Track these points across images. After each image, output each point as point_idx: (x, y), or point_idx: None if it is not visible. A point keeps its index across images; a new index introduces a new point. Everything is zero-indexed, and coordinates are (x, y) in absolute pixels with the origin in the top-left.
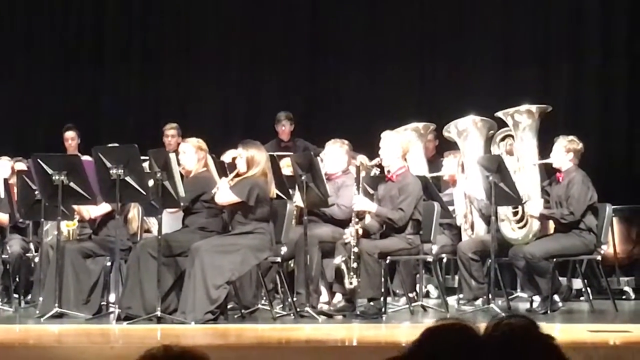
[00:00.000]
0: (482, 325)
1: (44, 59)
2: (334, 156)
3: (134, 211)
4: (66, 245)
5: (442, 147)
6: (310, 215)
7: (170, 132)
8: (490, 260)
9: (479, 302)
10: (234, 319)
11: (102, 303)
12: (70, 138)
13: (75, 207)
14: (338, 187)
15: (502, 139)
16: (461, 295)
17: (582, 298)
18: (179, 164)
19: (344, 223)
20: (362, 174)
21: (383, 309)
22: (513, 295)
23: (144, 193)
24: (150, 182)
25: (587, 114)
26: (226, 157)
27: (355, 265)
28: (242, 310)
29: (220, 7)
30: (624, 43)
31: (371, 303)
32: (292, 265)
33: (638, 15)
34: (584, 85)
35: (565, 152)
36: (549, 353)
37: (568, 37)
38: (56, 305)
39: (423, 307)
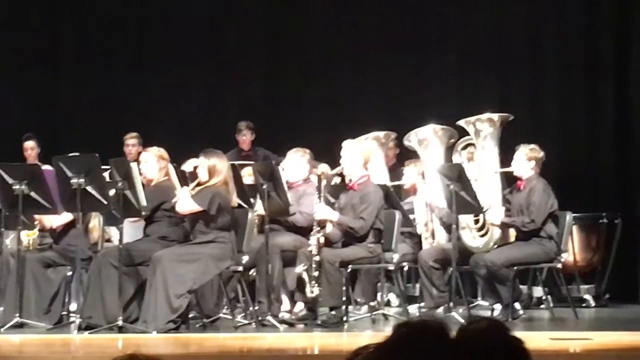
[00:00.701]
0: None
1: (1, 67)
2: (295, 165)
3: (95, 220)
4: (27, 254)
5: (403, 155)
6: (272, 224)
7: (131, 141)
8: (451, 269)
9: (440, 310)
10: (195, 328)
11: (63, 313)
12: (30, 147)
13: (36, 216)
14: (299, 195)
15: (464, 147)
16: (422, 304)
17: (542, 306)
18: (140, 173)
19: (305, 231)
20: (324, 182)
21: (344, 318)
22: (474, 304)
23: (105, 202)
24: (112, 192)
25: (547, 122)
26: (187, 166)
27: (316, 274)
28: (204, 320)
29: (181, 15)
30: (583, 53)
31: (332, 312)
32: (253, 274)
33: (596, 26)
34: (544, 94)
35: (526, 160)
36: (517, 356)
37: (528, 45)
38: (17, 315)
39: (384, 315)
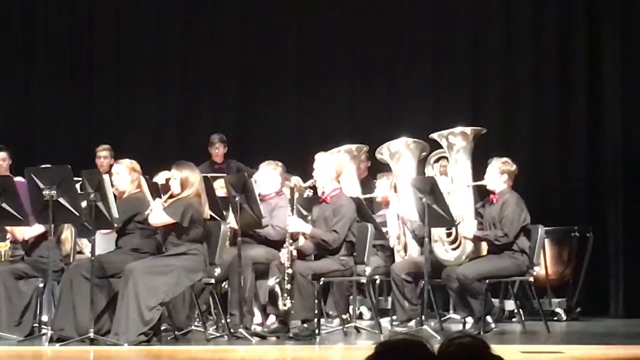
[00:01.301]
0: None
1: None
2: (268, 177)
3: (67, 232)
4: None
5: (375, 168)
6: (244, 237)
7: (103, 153)
8: (423, 282)
9: (412, 323)
10: (167, 341)
11: (35, 325)
12: (2, 159)
13: (7, 228)
14: (272, 208)
15: (436, 160)
16: (394, 317)
17: (514, 319)
18: (112, 185)
19: (278, 244)
20: (296, 195)
21: (316, 331)
22: (446, 317)
23: (77, 214)
24: (84, 203)
25: (519, 136)
26: (159, 179)
27: (289, 286)
28: (175, 332)
29: (154, 27)
30: (556, 66)
31: (305, 324)
32: (225, 286)
33: (570, 41)
34: (515, 107)
35: (499, 173)
36: None
37: (501, 59)
38: None
39: (356, 328)
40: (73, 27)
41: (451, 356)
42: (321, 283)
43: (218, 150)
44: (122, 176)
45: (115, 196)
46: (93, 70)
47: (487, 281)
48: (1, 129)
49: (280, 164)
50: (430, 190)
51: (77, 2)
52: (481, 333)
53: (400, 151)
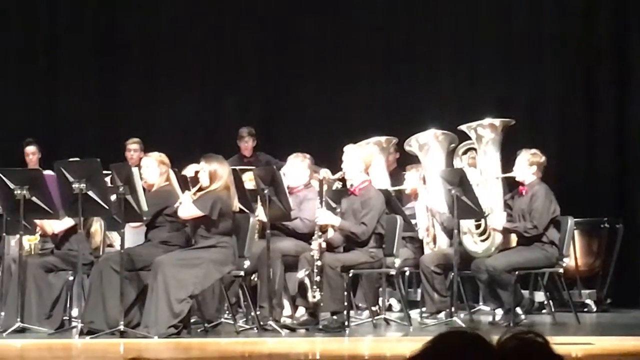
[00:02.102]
0: (494, 338)
1: (1, 73)
2: (296, 170)
3: (97, 225)
4: (28, 259)
5: (404, 160)
6: (273, 229)
7: (133, 146)
8: (452, 274)
9: (441, 315)
10: (196, 333)
11: (65, 317)
12: (31, 153)
13: (37, 221)
14: (300, 200)
15: (465, 152)
16: (424, 309)
17: (544, 311)
18: (141, 178)
19: (307, 236)
20: (325, 187)
21: (346, 323)
22: (475, 308)
23: (107, 207)
24: (113, 197)
25: (549, 127)
26: (188, 171)
27: (318, 278)
28: (205, 324)
29: (180, 21)
30: (584, 58)
31: (334, 316)
32: (255, 279)
33: (597, 31)
34: (543, 98)
35: (528, 165)
36: None
37: (528, 50)
38: (18, 319)
39: (386, 320)
40: (101, 21)
41: (511, 351)
42: (350, 275)
43: (247, 144)
44: (151, 169)
45: (144, 189)
46: (120, 64)
47: (516, 273)
48: (30, 123)
49: (308, 156)
50: (459, 182)
51: None
52: (511, 324)
53: (429, 143)
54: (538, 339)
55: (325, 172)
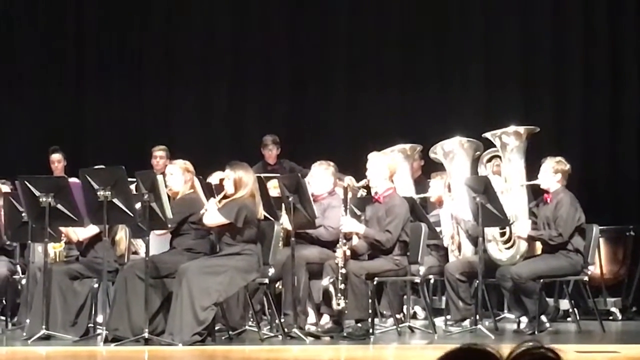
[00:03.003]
0: (504, 352)
1: (26, 81)
2: (320, 178)
3: (122, 233)
4: (53, 267)
5: (429, 168)
6: (297, 237)
7: (159, 153)
8: (477, 281)
9: (466, 323)
10: (221, 341)
11: (90, 325)
12: (57, 160)
13: (62, 229)
14: (324, 208)
15: (489, 160)
16: (448, 317)
17: (569, 319)
18: (166, 186)
19: (331, 244)
20: (350, 195)
21: (370, 330)
22: (500, 316)
23: (132, 215)
24: (138, 204)
25: (573, 134)
26: (213, 179)
27: (342, 286)
28: (230, 332)
29: (205, 30)
30: (607, 64)
31: (359, 324)
32: (279, 286)
33: (620, 38)
34: (568, 106)
35: (553, 173)
36: None
37: (552, 57)
38: (43, 327)
39: (410, 328)
40: (123, 27)
41: None
42: (375, 283)
43: (271, 152)
44: (176, 177)
45: (169, 197)
46: (146, 71)
47: (541, 280)
48: (55, 131)
49: (332, 164)
50: (484, 189)
51: (128, 5)
52: (536, 332)
53: (454, 150)
54: (549, 354)
55: (349, 180)
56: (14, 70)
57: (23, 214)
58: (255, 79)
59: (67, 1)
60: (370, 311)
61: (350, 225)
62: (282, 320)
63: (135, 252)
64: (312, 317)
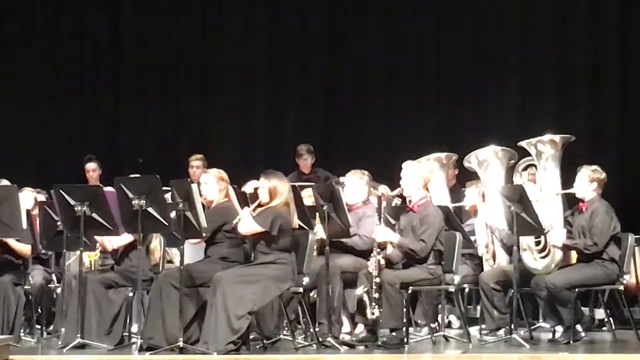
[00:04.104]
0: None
1: (62, 90)
2: (354, 187)
3: (156, 242)
4: (88, 275)
5: (463, 177)
6: (331, 246)
7: (196, 162)
8: (512, 290)
9: (501, 332)
10: (255, 350)
11: (124, 333)
12: (92, 169)
13: (97, 238)
14: (359, 217)
15: (525, 168)
16: (483, 326)
17: (604, 328)
18: (200, 195)
19: (365, 253)
20: (384, 204)
21: (405, 340)
22: (535, 326)
23: (166, 224)
24: (172, 213)
25: (608, 143)
26: (248, 188)
27: (377, 295)
28: (264, 341)
29: (241, 39)
30: None
31: (393, 333)
32: (314, 295)
33: None
34: (603, 115)
35: (588, 182)
36: None
37: (587, 66)
38: (78, 335)
39: (445, 337)
40: (160, 38)
41: None
42: (409, 292)
43: (306, 161)
44: (211, 186)
45: (203, 206)
46: (181, 80)
47: (576, 290)
48: (91, 140)
49: (366, 172)
50: (519, 198)
51: (164, 14)
52: (571, 342)
53: (488, 159)
54: None
55: (384, 189)
56: (51, 79)
57: (58, 223)
58: (291, 89)
59: (104, 12)
60: (404, 320)
61: (385, 234)
62: (317, 329)
63: (170, 261)
64: (346, 326)
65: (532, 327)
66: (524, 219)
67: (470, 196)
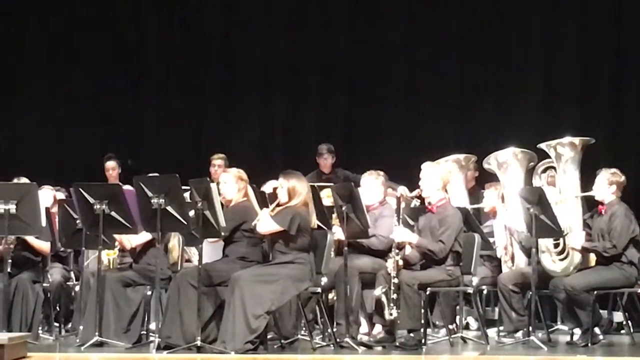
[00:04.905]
0: None
1: (83, 88)
2: (370, 187)
3: (175, 240)
4: (107, 274)
5: (482, 178)
6: (349, 246)
7: (217, 162)
8: (530, 293)
9: (519, 334)
10: (273, 349)
11: (142, 332)
12: (111, 168)
13: (116, 236)
14: (375, 218)
15: (544, 171)
16: (501, 328)
17: (622, 331)
18: (219, 194)
19: (383, 254)
20: (403, 205)
21: (423, 341)
22: (553, 328)
23: (185, 222)
24: (191, 212)
25: (628, 146)
26: (267, 188)
27: (395, 296)
28: (282, 341)
29: (261, 38)
30: None
31: (411, 334)
32: (332, 296)
33: None
34: (624, 118)
35: (608, 184)
36: None
37: (607, 68)
38: (96, 333)
39: (463, 338)
40: (181, 37)
41: None
42: (427, 293)
43: (326, 161)
44: (229, 185)
45: (222, 205)
46: (201, 79)
47: (595, 292)
48: (111, 138)
49: (382, 173)
50: (538, 200)
51: (186, 12)
52: (589, 345)
53: (508, 161)
54: None
55: (403, 190)
56: (72, 77)
57: (77, 221)
58: (312, 88)
59: (127, 10)
60: (422, 321)
61: (403, 235)
62: (335, 329)
63: (188, 260)
64: (364, 326)
65: (550, 330)
66: (543, 221)
67: (489, 198)
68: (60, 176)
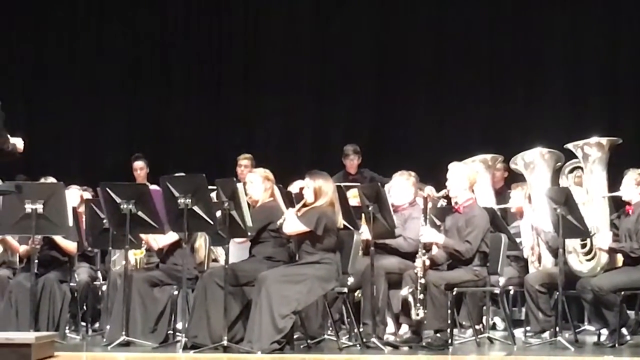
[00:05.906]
0: None
1: (110, 89)
2: (401, 188)
3: (201, 240)
4: (134, 273)
5: (510, 178)
6: (375, 247)
7: (244, 162)
8: (557, 293)
9: (546, 334)
10: (300, 349)
11: (169, 332)
12: (139, 167)
13: (143, 236)
14: (405, 219)
15: (571, 171)
16: (528, 328)
17: None
18: (246, 194)
19: (410, 254)
20: (430, 205)
21: (449, 341)
22: (580, 328)
23: (212, 223)
24: (218, 212)
25: None
26: (293, 188)
27: (421, 296)
28: (308, 340)
29: (288, 39)
30: None
31: (438, 334)
32: (358, 295)
33: None
34: None
35: (635, 185)
36: None
37: (636, 69)
38: (123, 333)
39: (490, 339)
40: (207, 37)
41: None
42: (454, 293)
43: (352, 162)
44: (256, 185)
45: (249, 205)
46: (228, 81)
47: (622, 293)
48: (138, 139)
49: (413, 174)
50: (565, 201)
51: (211, 12)
52: (616, 345)
53: (534, 161)
54: None
55: (429, 190)
56: (99, 77)
57: (104, 221)
58: (339, 89)
59: (153, 13)
60: (449, 321)
61: (430, 235)
62: (361, 329)
63: (215, 260)
64: (391, 326)
65: (577, 330)
66: (569, 222)
67: (516, 198)
68: (87, 176)
